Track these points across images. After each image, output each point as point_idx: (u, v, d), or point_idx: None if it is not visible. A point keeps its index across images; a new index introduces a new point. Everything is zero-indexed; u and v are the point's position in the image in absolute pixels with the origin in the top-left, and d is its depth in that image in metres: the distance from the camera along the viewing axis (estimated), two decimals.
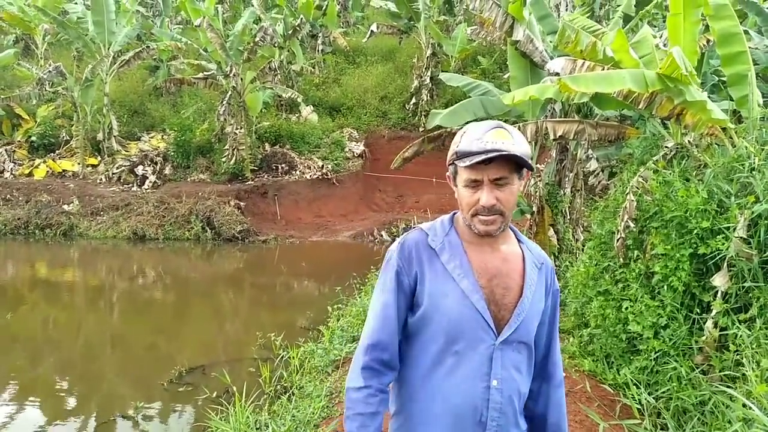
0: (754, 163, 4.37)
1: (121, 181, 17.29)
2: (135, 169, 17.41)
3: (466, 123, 7.54)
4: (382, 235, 15.62)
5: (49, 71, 17.28)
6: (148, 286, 11.93)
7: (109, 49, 17.57)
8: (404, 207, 18.33)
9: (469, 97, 8.34)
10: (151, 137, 19.12)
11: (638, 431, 3.30)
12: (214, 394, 5.43)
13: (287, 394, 4.87)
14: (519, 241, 1.67)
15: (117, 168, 17.48)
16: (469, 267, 1.56)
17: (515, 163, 1.51)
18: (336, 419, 4.00)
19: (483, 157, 1.45)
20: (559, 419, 1.71)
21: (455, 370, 1.54)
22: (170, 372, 6.30)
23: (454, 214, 1.67)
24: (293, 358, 5.71)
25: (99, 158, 18.17)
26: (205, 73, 17.30)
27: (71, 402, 6.20)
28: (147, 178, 17.15)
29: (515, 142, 1.49)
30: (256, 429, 3.83)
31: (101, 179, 17.35)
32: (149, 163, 17.60)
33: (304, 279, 12.35)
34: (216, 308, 10.19)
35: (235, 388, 4.42)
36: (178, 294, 11.38)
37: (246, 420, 3.88)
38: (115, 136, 18.03)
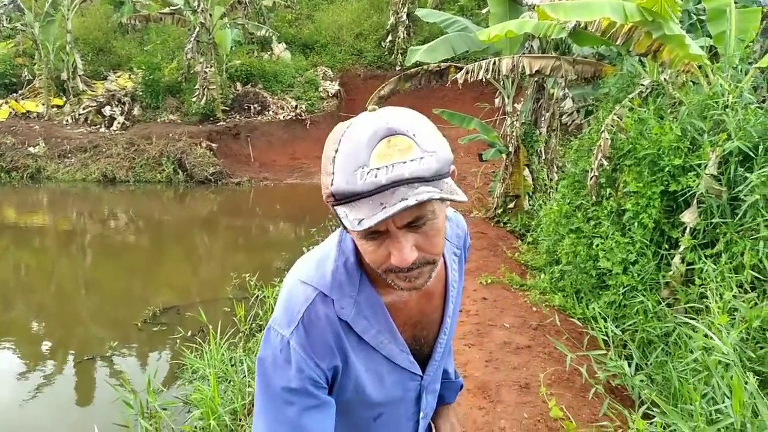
0: (728, 100, 4.37)
1: (88, 122, 16.76)
2: (102, 110, 16.86)
3: (444, 60, 7.36)
4: None
5: (5, 5, 16.41)
6: (120, 230, 11.78)
7: None
8: None
9: (447, 33, 8.15)
10: (118, 76, 18.46)
11: (604, 361, 3.40)
12: (189, 333, 5.45)
13: (262, 331, 4.91)
14: None
15: (83, 109, 16.89)
16: (393, 328, 1.13)
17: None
18: None
19: (381, 217, 0.88)
20: (450, 369, 1.54)
21: (380, 426, 1.23)
22: (144, 313, 6.30)
23: (357, 253, 1.09)
24: (268, 297, 5.73)
25: (64, 99, 17.54)
26: (172, 8, 16.58)
27: (46, 345, 6.18)
28: (115, 119, 16.64)
29: (424, 150, 0.91)
30: (231, 365, 3.86)
31: (67, 120, 16.79)
32: (117, 103, 17.04)
33: (280, 221, 12.30)
34: (190, 251, 10.13)
35: (210, 327, 4.44)
36: (151, 237, 11.27)
37: (221, 357, 3.91)
38: (80, 76, 17.38)
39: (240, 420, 3.29)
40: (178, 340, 5.19)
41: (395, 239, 0.95)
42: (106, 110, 16.80)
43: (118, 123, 16.50)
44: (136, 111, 17.01)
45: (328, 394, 1.10)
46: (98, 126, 16.57)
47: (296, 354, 1.04)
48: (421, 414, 1.29)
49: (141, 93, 17.13)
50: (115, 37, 19.61)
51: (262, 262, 8.34)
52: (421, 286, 1.01)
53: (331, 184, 0.92)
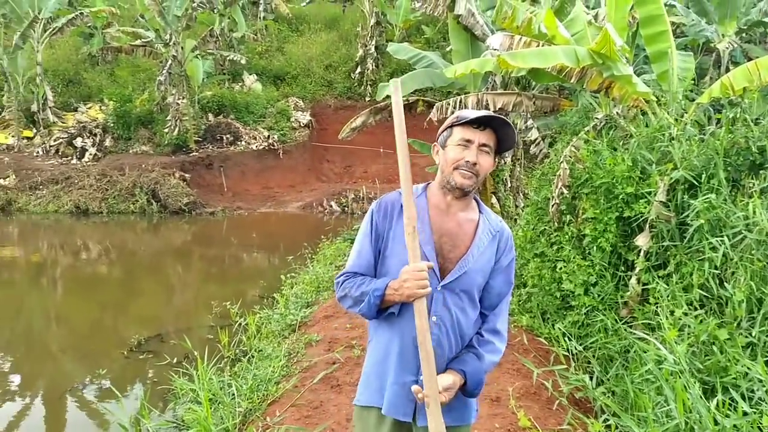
0: (673, 133, 4.80)
1: (60, 153, 16.73)
2: (73, 141, 16.85)
3: (414, 92, 7.76)
4: (331, 206, 15.72)
5: None
6: (94, 262, 11.75)
7: (39, 14, 16.77)
8: (352, 177, 18.50)
9: (414, 69, 8.55)
10: (89, 108, 18.49)
11: (567, 375, 3.69)
12: (175, 360, 5.59)
13: (246, 357, 5.07)
14: (480, 211, 1.97)
15: (54, 140, 16.87)
16: (428, 224, 1.89)
17: (495, 142, 1.86)
18: (295, 376, 4.27)
19: (483, 113, 1.81)
20: (483, 350, 1.92)
21: (407, 308, 1.83)
22: (129, 342, 6.40)
23: (428, 184, 2.00)
24: (250, 324, 5.90)
25: (34, 130, 17.48)
26: (143, 40, 16.80)
27: (34, 378, 6.15)
28: (87, 150, 16.64)
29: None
30: (219, 388, 4.04)
31: (38, 152, 16.73)
32: (88, 134, 17.06)
33: (255, 250, 12.42)
34: (167, 282, 10.19)
35: (196, 353, 4.60)
36: (127, 269, 11.27)
37: (209, 380, 4.09)
38: (50, 107, 17.37)
39: None
40: (163, 367, 5.33)
41: (472, 149, 1.82)
42: (78, 142, 16.80)
43: (90, 154, 16.51)
44: (107, 142, 17.04)
45: (379, 248, 1.94)
46: (69, 158, 16.55)
47: (374, 212, 1.95)
48: (433, 318, 1.85)
49: (112, 124, 17.19)
50: (85, 69, 19.67)
51: (240, 291, 8.47)
52: (468, 187, 1.85)
53: (457, 115, 1.86)
